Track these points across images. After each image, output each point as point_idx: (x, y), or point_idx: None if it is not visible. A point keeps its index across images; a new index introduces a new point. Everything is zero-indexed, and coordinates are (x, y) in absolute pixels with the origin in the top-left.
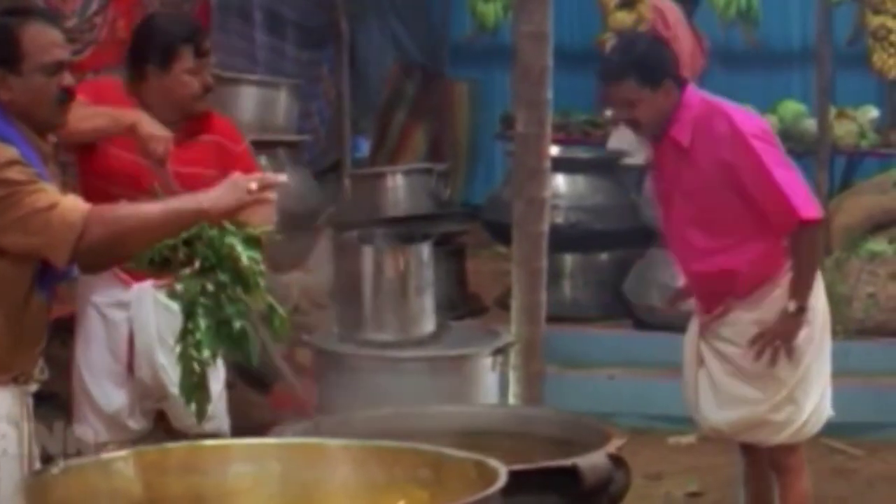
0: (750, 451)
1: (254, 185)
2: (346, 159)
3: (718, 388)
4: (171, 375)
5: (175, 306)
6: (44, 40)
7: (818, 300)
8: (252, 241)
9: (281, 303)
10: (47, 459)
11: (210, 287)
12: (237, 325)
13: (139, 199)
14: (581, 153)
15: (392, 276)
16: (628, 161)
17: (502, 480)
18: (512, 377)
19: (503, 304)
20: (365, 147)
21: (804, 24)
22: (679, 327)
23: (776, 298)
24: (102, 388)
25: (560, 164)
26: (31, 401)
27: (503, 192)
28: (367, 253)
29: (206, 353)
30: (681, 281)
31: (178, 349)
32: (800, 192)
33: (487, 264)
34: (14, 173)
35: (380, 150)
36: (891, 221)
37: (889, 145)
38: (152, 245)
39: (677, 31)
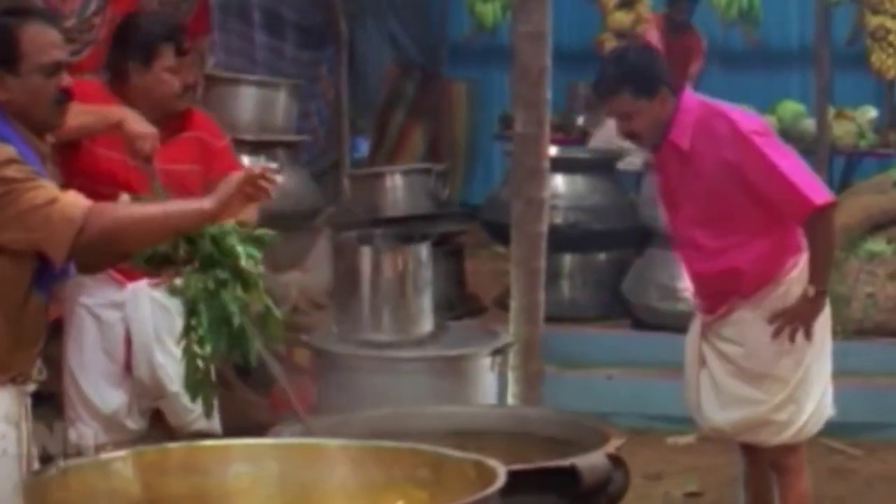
0: (750, 452)
1: (257, 170)
2: (344, 159)
3: (720, 388)
4: (170, 373)
5: (171, 304)
6: (43, 41)
7: None
8: (251, 241)
9: (279, 303)
10: (47, 459)
11: (211, 284)
12: (237, 322)
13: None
14: (580, 153)
15: (391, 276)
16: (626, 166)
17: (501, 480)
18: (510, 377)
19: (502, 304)
20: (364, 147)
21: (803, 24)
22: (677, 327)
23: (779, 296)
24: (98, 390)
25: (559, 165)
26: (29, 401)
27: (502, 192)
28: (366, 253)
29: (208, 349)
30: (681, 281)
31: (181, 346)
32: (808, 179)
33: (486, 264)
34: (12, 171)
35: (378, 150)
36: (890, 221)
37: (888, 145)
38: (151, 245)
39: (649, 35)
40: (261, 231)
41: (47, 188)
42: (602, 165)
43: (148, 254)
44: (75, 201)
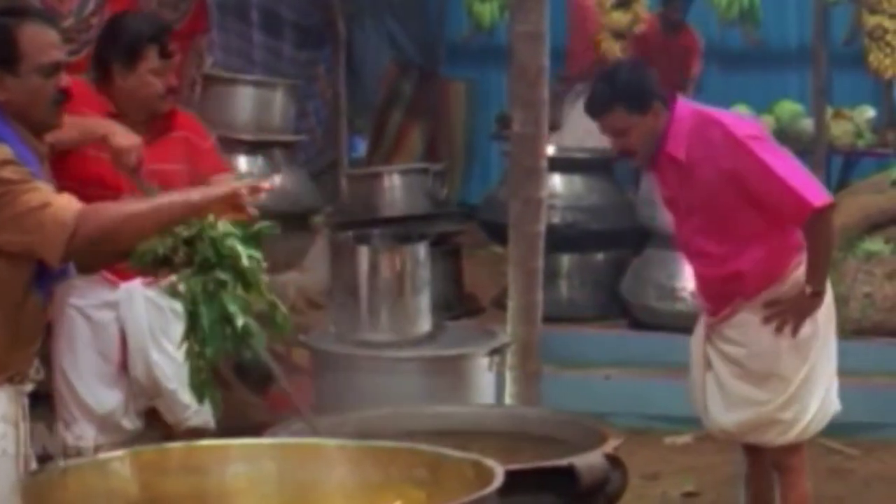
0: (753, 451)
1: (244, 192)
2: (342, 159)
3: (726, 390)
4: (166, 371)
5: (164, 303)
6: (41, 41)
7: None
8: (252, 240)
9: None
10: (46, 459)
11: (210, 286)
12: (240, 322)
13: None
14: (577, 153)
15: (388, 276)
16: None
17: (499, 480)
18: (508, 377)
19: (500, 304)
20: (361, 147)
21: (801, 24)
22: (675, 327)
23: (781, 294)
24: (93, 391)
25: (556, 164)
26: (26, 401)
27: (499, 191)
28: (364, 253)
29: (210, 351)
30: (678, 281)
31: (183, 348)
32: (806, 181)
33: (484, 264)
34: (8, 172)
35: (376, 149)
36: (888, 221)
37: (886, 145)
38: (144, 239)
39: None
40: (258, 226)
41: (42, 191)
42: (600, 165)
43: (148, 256)
44: (67, 205)
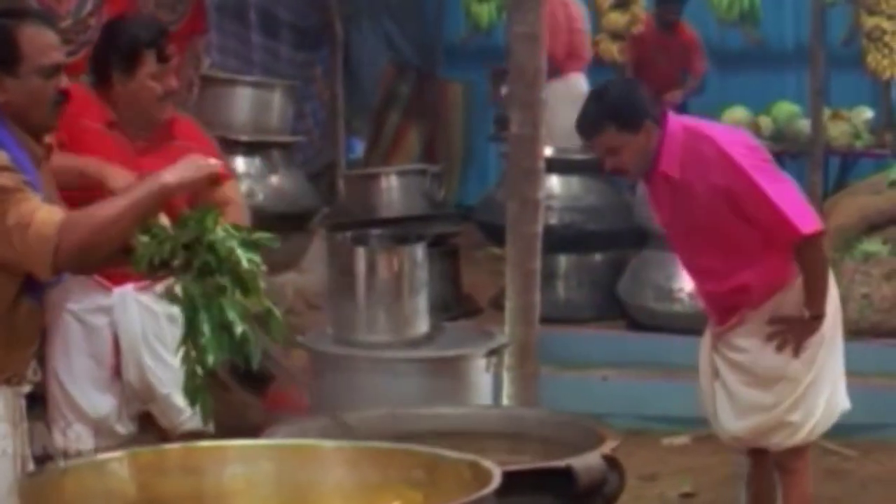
0: (756, 453)
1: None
2: (340, 160)
3: (734, 398)
4: (160, 376)
5: (159, 308)
6: (41, 42)
7: (830, 301)
8: (251, 244)
9: (275, 304)
10: (47, 460)
11: (210, 290)
12: (238, 329)
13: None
14: (575, 154)
15: (386, 277)
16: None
17: (496, 481)
18: (506, 378)
19: (497, 304)
20: (359, 148)
21: (799, 24)
22: (673, 328)
23: (787, 301)
24: (87, 395)
25: (554, 165)
26: (23, 402)
27: (497, 192)
28: (361, 254)
29: (210, 360)
30: (676, 282)
31: (180, 353)
32: (796, 206)
33: (481, 265)
34: (4, 179)
35: (374, 150)
36: (885, 222)
37: (883, 146)
38: (130, 233)
39: (581, 24)
40: (259, 235)
41: (30, 202)
42: (597, 166)
43: (147, 260)
44: (49, 218)
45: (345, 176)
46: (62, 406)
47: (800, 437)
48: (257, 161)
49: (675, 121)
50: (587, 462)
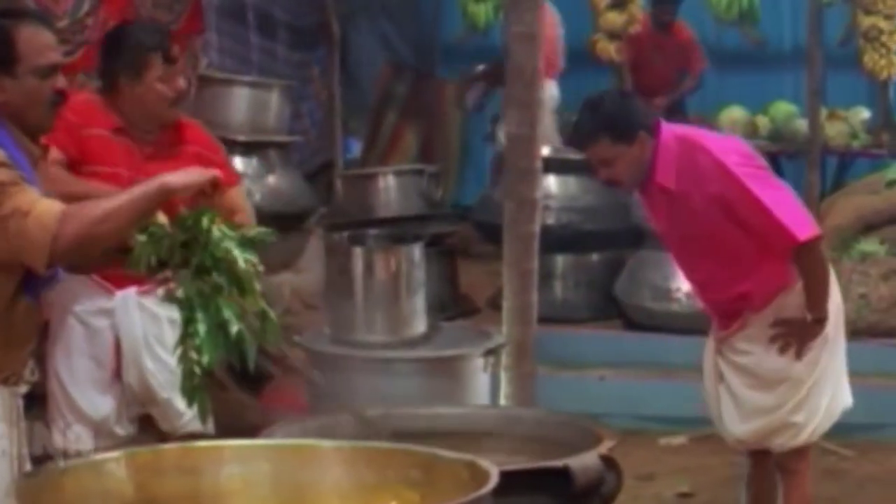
0: (757, 454)
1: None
2: (337, 160)
3: (739, 401)
4: (160, 380)
5: (160, 312)
6: (38, 43)
7: (832, 300)
8: (248, 244)
9: (272, 304)
10: (40, 460)
11: (207, 290)
12: (234, 328)
13: None
14: (572, 154)
15: (383, 277)
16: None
17: (494, 481)
18: (503, 378)
19: (494, 304)
20: (356, 148)
21: (796, 24)
22: (670, 328)
23: (789, 304)
24: (87, 396)
25: (551, 165)
26: (21, 402)
27: (494, 192)
28: (358, 254)
29: (206, 359)
30: (673, 281)
31: (177, 353)
32: (792, 212)
33: (478, 265)
34: (0, 174)
35: (371, 150)
36: (882, 222)
37: (880, 146)
38: (128, 232)
39: (555, 31)
40: (256, 231)
41: (28, 194)
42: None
43: (145, 259)
44: (49, 209)
45: (342, 176)
46: (62, 406)
47: (803, 438)
48: (254, 161)
49: (669, 130)
50: (584, 462)
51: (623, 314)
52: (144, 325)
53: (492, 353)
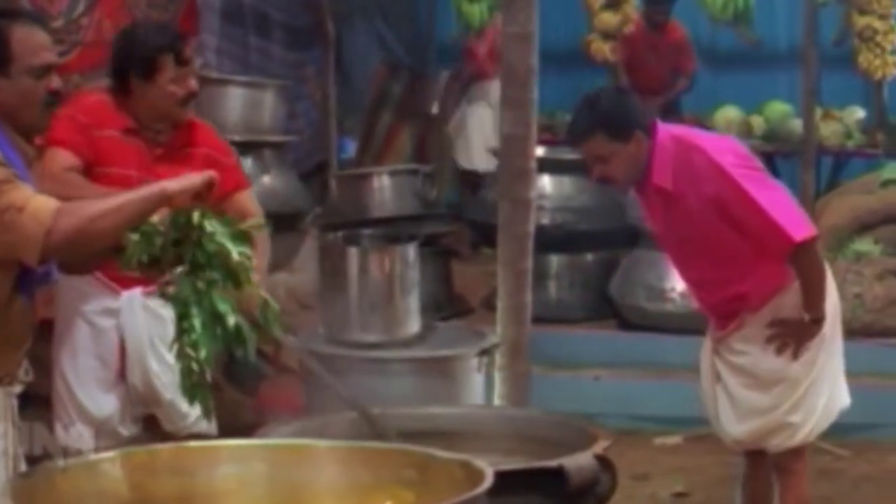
0: (754, 454)
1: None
2: (332, 160)
3: (736, 401)
4: (164, 381)
5: (165, 313)
6: (32, 43)
7: (829, 300)
8: (241, 237)
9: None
10: (37, 460)
11: (201, 285)
12: (231, 321)
13: None
14: (567, 154)
15: (378, 276)
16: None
17: (488, 481)
18: (498, 378)
19: (489, 304)
20: (351, 148)
21: (791, 24)
22: (665, 327)
23: (786, 304)
24: (91, 395)
25: (546, 165)
26: (15, 402)
27: (489, 192)
28: (353, 254)
29: (203, 354)
30: (668, 281)
31: (174, 349)
32: (788, 213)
33: (473, 265)
34: None
35: (366, 150)
36: (877, 222)
37: (875, 146)
38: (122, 233)
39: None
40: (246, 224)
41: (22, 191)
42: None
43: (137, 258)
44: (45, 204)
45: (337, 176)
46: (67, 405)
47: (799, 438)
48: (249, 161)
49: (665, 131)
50: (579, 462)
51: (618, 314)
52: (149, 326)
53: (486, 353)
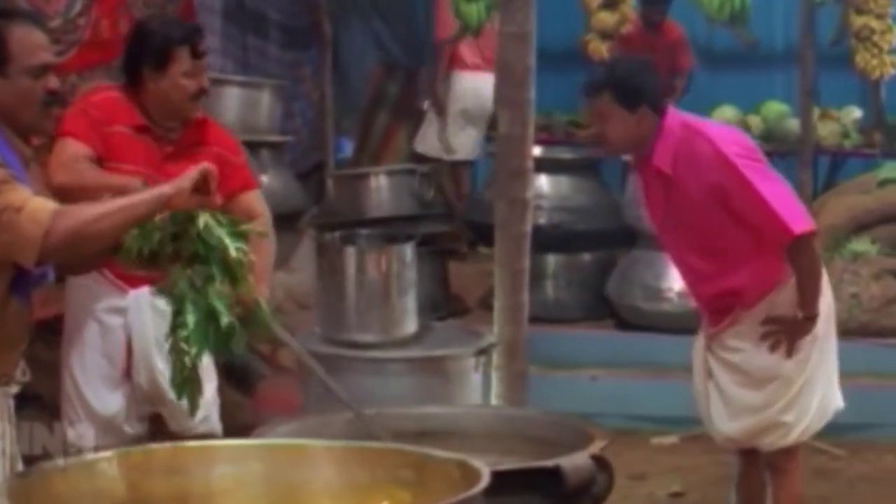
0: (747, 453)
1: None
2: (328, 160)
3: (728, 399)
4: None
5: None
6: (30, 43)
7: (824, 299)
8: (239, 234)
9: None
10: (36, 460)
11: (198, 281)
12: (224, 320)
13: None
14: (564, 154)
15: (375, 276)
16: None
17: (485, 481)
18: (495, 378)
19: (486, 304)
20: (348, 148)
21: (788, 24)
22: (662, 327)
23: (781, 301)
24: (98, 393)
25: (543, 165)
26: (11, 402)
27: (486, 192)
28: (350, 253)
29: (194, 350)
30: (665, 281)
31: (168, 343)
32: (789, 206)
33: (470, 265)
34: None
35: (363, 150)
36: (874, 221)
37: (872, 145)
38: (120, 236)
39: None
40: (245, 226)
41: (20, 192)
42: (586, 166)
43: (135, 252)
44: (42, 205)
45: (333, 176)
46: (74, 402)
47: (793, 438)
48: None
49: (675, 116)
50: (576, 462)
51: (615, 314)
52: (156, 325)
53: (483, 352)
